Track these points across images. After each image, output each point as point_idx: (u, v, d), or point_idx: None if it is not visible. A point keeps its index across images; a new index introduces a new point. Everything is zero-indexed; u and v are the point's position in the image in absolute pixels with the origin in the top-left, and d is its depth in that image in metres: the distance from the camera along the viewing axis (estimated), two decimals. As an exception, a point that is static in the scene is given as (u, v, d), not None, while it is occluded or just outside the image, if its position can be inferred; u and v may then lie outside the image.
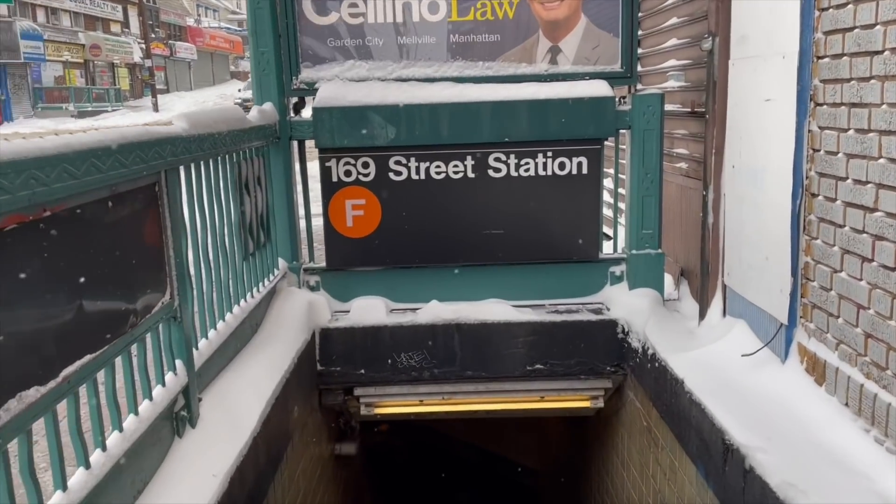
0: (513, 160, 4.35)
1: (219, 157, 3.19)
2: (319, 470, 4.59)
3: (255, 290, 3.81)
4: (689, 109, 4.53)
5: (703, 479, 3.13)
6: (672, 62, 4.83)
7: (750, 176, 3.42)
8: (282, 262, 4.38)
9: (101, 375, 2.14)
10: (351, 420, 5.46)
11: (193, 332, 2.84)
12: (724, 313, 3.89)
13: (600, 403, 4.65)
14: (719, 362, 3.39)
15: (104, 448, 2.06)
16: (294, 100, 4.41)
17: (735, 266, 3.67)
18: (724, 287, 3.86)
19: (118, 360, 2.24)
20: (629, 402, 4.44)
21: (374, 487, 10.11)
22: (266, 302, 4.06)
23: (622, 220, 4.74)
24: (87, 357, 1.95)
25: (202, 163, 2.99)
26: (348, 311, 4.50)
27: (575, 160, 4.34)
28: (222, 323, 3.25)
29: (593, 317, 4.42)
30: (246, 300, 3.62)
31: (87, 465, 1.96)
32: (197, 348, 2.89)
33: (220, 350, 3.17)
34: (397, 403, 4.66)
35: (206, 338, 3.03)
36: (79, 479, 1.92)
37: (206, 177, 3.08)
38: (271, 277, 4.14)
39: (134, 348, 2.34)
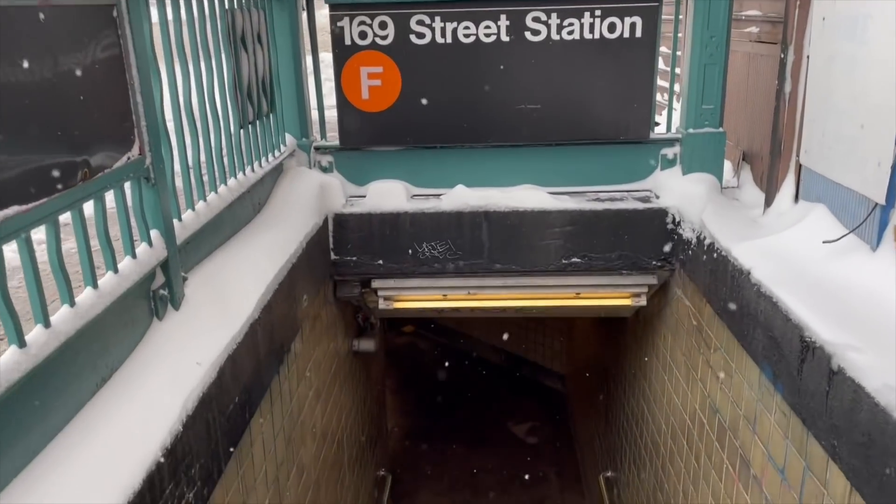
0: (554, 20, 3.73)
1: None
2: (335, 366, 4.28)
3: (256, 164, 3.36)
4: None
5: (769, 382, 2.70)
6: None
7: (847, 27, 2.79)
8: (289, 138, 3.90)
9: (43, 237, 1.73)
10: (370, 316, 5.12)
11: (175, 200, 2.41)
12: (797, 198, 3.35)
13: (643, 301, 4.21)
14: (793, 251, 2.89)
15: (46, 324, 1.66)
16: (301, -53, 3.80)
17: (816, 141, 3.09)
18: (799, 168, 3.30)
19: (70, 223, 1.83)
20: (676, 299, 3.99)
21: (397, 387, 10.02)
22: (271, 180, 3.61)
23: (677, 92, 4.14)
24: (13, 209, 1.52)
25: (179, -5, 2.47)
26: (364, 196, 4.04)
27: (627, 20, 3.71)
28: (214, 195, 2.81)
29: (640, 205, 3.91)
30: (245, 174, 3.18)
31: (22, 344, 1.57)
32: (179, 219, 2.47)
33: (211, 225, 2.75)
34: (418, 298, 4.27)
35: (193, 209, 2.60)
36: (9, 358, 1.53)
37: (186, 14, 2.56)
38: (276, 153, 3.67)
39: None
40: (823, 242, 2.80)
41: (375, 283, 4.17)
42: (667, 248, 3.91)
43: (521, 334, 10.01)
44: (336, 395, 4.29)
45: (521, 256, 4.00)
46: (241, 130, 3.15)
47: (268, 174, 3.49)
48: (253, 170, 3.27)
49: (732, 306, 3.04)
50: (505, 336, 10.15)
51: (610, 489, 5.99)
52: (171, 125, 2.40)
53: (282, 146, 3.77)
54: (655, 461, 4.49)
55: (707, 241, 3.36)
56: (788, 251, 2.90)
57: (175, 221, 2.41)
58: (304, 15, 3.91)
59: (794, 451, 2.50)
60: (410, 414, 9.30)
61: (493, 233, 3.96)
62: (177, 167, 2.50)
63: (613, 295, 4.18)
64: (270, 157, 3.56)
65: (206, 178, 2.75)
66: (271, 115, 3.60)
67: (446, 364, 10.63)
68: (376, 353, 5.90)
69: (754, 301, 2.80)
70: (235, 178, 3.06)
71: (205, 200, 2.71)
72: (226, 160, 2.96)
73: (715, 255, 3.24)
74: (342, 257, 4.04)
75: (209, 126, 2.76)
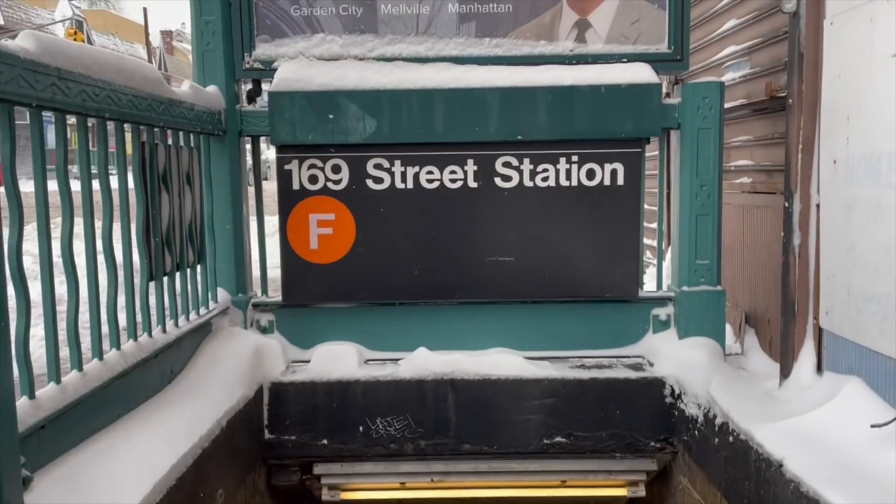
0: (527, 166, 3.36)
1: (104, 116, 2.19)
2: (265, 576, 3.43)
3: (170, 323, 2.77)
4: (761, 99, 3.54)
5: None
6: (730, 49, 3.91)
7: (866, 168, 2.41)
8: (222, 294, 3.34)
9: None
10: None
11: (27, 368, 1.80)
12: (820, 368, 2.81)
13: (641, 492, 3.50)
14: (831, 436, 2.30)
15: None
16: (248, 84, 3.48)
17: (839, 301, 2.62)
18: (820, 332, 2.79)
19: None
20: (680, 491, 3.30)
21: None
22: (193, 342, 3.01)
23: (668, 248, 3.72)
24: None
25: (66, 115, 2.00)
26: (309, 361, 3.43)
27: (608, 167, 3.35)
28: (97, 362, 2.19)
29: (632, 374, 3.33)
30: (150, 335, 2.58)
31: None
32: (31, 395, 1.84)
33: (89, 403, 2.11)
34: (371, 486, 3.52)
35: (57, 381, 1.98)
36: None
37: (80, 140, 2.10)
38: (202, 311, 3.10)
39: None
40: (871, 427, 2.22)
41: (318, 469, 3.45)
42: (666, 426, 3.29)
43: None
44: None
45: (494, 435, 3.34)
46: (152, 283, 2.60)
47: (187, 335, 2.89)
48: (164, 330, 2.68)
49: (762, 508, 2.38)
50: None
51: None
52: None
53: (210, 302, 3.20)
54: None
55: (719, 421, 2.76)
56: (825, 436, 2.31)
57: (23, 400, 1.78)
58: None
59: None
60: None
61: (461, 406, 3.33)
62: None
63: (605, 483, 3.48)
64: (192, 315, 2.98)
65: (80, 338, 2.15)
66: (199, 266, 3.07)
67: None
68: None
69: (792, 501, 2.16)
70: (136, 339, 2.46)
71: (80, 369, 2.09)
72: (123, 318, 2.38)
73: (731, 438, 2.63)
74: (279, 436, 3.34)
75: (97, 275, 2.20)
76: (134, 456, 2.16)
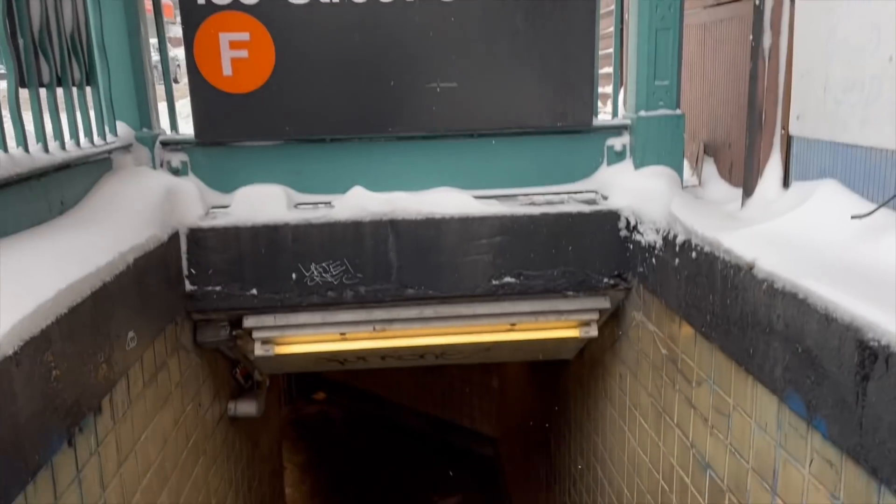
0: (470, -26, 2.97)
1: None
2: (197, 436, 3.19)
3: (55, 144, 2.35)
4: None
5: (800, 418, 1.85)
6: None
7: (854, -65, 2.12)
8: (123, 128, 2.91)
9: None
10: (252, 371, 4.05)
11: None
12: (787, 183, 2.62)
13: (593, 332, 3.36)
14: (805, 237, 2.11)
15: None
16: None
17: (814, 99, 2.38)
18: (789, 142, 2.58)
19: None
20: (635, 326, 3.16)
21: (306, 464, 8.74)
22: (88, 177, 2.61)
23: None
24: None
25: None
26: (231, 206, 3.07)
27: (560, -25, 2.98)
28: (-51, 164, 1.79)
29: (585, 208, 3.10)
30: (28, 150, 2.16)
31: None
32: None
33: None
34: (308, 338, 3.27)
35: None
36: None
37: None
38: (97, 141, 2.67)
39: None
40: (852, 218, 2.03)
41: (248, 322, 3.16)
42: (620, 260, 3.11)
43: (447, 395, 9.00)
44: (199, 476, 3.18)
45: (439, 278, 3.10)
46: (25, 90, 2.16)
47: (80, 167, 2.48)
48: (46, 150, 2.26)
49: (727, 319, 2.21)
50: (428, 399, 9.13)
51: (557, 572, 4.99)
52: None
53: (109, 135, 2.77)
54: (617, 537, 3.57)
55: (681, 239, 2.56)
56: (800, 237, 2.12)
57: None
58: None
59: (856, 519, 1.64)
60: (320, 494, 8.04)
61: (403, 248, 3.06)
62: None
63: (557, 325, 3.31)
64: (85, 144, 2.56)
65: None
66: (89, 89, 2.62)
67: (363, 434, 9.47)
68: (266, 419, 4.79)
69: (765, 304, 1.98)
70: (5, 149, 2.05)
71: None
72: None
73: (694, 254, 2.44)
74: (201, 288, 3.02)
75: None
76: (9, 275, 1.80)
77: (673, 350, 2.74)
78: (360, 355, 4.02)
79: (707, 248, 2.34)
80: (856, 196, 2.18)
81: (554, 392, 4.98)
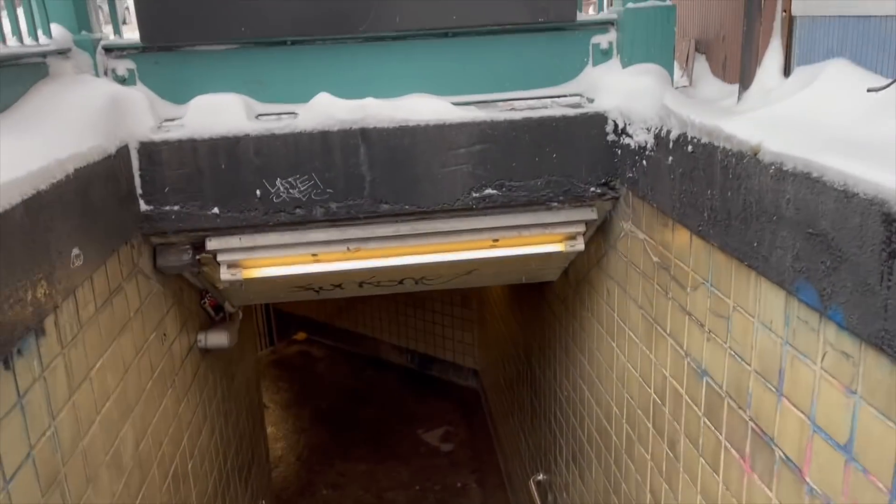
0: None
1: None
2: (163, 367, 3.01)
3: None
4: None
5: (812, 309, 1.71)
6: None
7: None
8: (58, 30, 2.62)
9: None
10: (223, 301, 3.86)
11: None
12: (788, 70, 2.42)
13: (580, 245, 3.20)
14: (816, 117, 1.93)
15: None
16: None
17: (820, -27, 2.17)
18: (791, 23, 2.37)
19: None
20: (623, 238, 3.00)
21: (289, 403, 8.66)
22: (18, 81, 2.33)
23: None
24: None
25: None
26: (185, 117, 2.81)
27: None
28: None
29: (570, 111, 2.89)
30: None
31: None
32: None
33: None
34: (277, 260, 3.07)
35: None
36: None
37: None
38: (28, 41, 2.39)
39: None
40: (868, 91, 1.84)
41: (212, 244, 2.94)
42: (608, 167, 2.92)
43: (427, 329, 8.92)
44: (168, 410, 3.01)
45: (416, 192, 2.89)
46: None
47: (9, 70, 2.21)
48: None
49: (728, 213, 2.04)
50: (409, 334, 9.04)
51: (543, 495, 4.96)
52: None
53: (42, 37, 2.48)
54: (606, 456, 3.48)
55: (675, 134, 2.36)
56: (807, 118, 1.93)
57: None
58: None
59: (875, 411, 1.51)
60: (304, 431, 7.99)
61: (376, 160, 2.84)
62: None
63: (541, 239, 3.14)
64: (13, 42, 2.27)
65: None
66: (13, -21, 2.32)
67: (345, 371, 9.40)
68: (242, 352, 4.63)
69: (772, 190, 1.81)
70: None
71: None
72: None
73: (690, 147, 2.25)
74: (157, 207, 2.79)
75: None
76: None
77: (665, 257, 2.58)
78: (336, 282, 3.83)
79: (705, 139, 2.15)
80: (868, 73, 1.99)
81: (537, 318, 4.87)
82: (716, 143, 2.09)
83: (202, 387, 3.65)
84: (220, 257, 2.98)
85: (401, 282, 3.95)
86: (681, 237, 2.42)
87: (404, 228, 3.01)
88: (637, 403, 2.99)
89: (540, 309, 4.74)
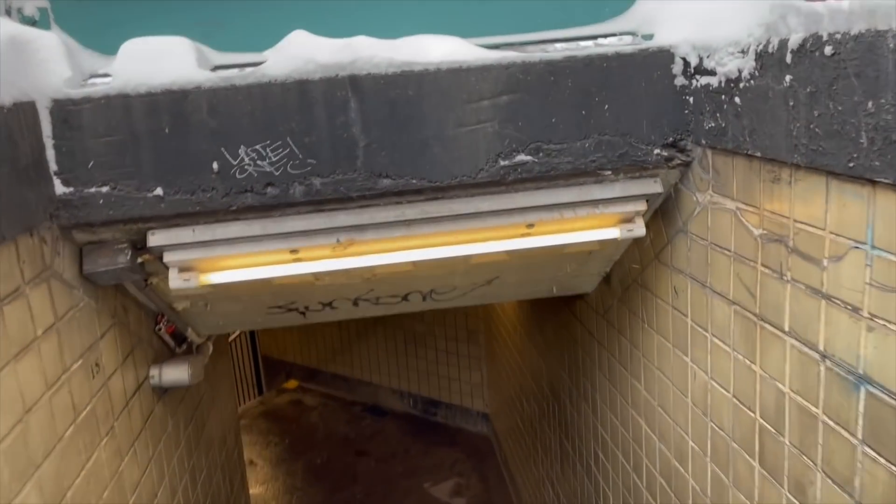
0: None
1: None
2: (95, 407, 2.23)
3: None
4: None
5: None
6: None
7: None
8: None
9: None
10: (187, 329, 3.11)
11: None
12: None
13: (639, 229, 2.47)
14: None
15: None
16: None
17: None
18: None
19: None
20: (702, 214, 2.28)
21: (281, 458, 7.77)
22: None
23: None
24: None
25: None
26: (114, 68, 2.10)
27: None
28: None
29: (625, 48, 2.20)
30: None
31: None
32: None
33: None
34: (243, 260, 2.32)
35: None
36: None
37: None
38: None
39: None
40: None
41: (156, 238, 2.20)
42: (676, 121, 2.22)
43: (430, 370, 8.11)
44: (101, 466, 2.23)
45: (425, 160, 2.18)
46: None
47: None
48: None
49: (918, 121, 1.33)
50: (410, 377, 8.23)
51: (583, 557, 4.13)
52: None
53: None
54: (679, 506, 2.69)
55: (798, 38, 1.66)
56: None
57: None
58: None
59: None
60: (297, 490, 7.09)
61: (371, 117, 2.13)
62: None
63: (590, 221, 2.41)
64: None
65: None
66: None
67: (341, 421, 8.54)
68: (214, 394, 3.85)
69: None
70: None
71: None
72: None
73: (831, 48, 1.54)
74: (80, 189, 2.06)
75: None
76: None
77: (778, 224, 1.86)
78: (326, 299, 3.09)
79: (861, 28, 1.45)
80: None
81: (564, 341, 4.11)
82: (883, 28, 1.39)
83: (157, 436, 2.86)
84: (167, 256, 2.24)
85: (405, 297, 3.21)
86: (809, 187, 1.71)
87: (411, 212, 2.29)
88: (732, 434, 2.23)
89: (569, 330, 3.99)
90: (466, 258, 2.54)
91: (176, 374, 2.84)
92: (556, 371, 4.41)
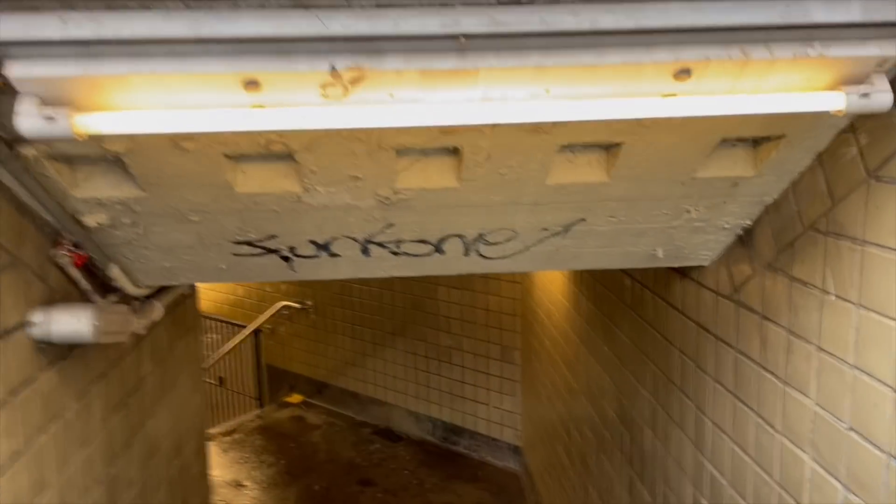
0: None
1: None
2: None
3: None
4: None
5: None
6: None
7: None
8: None
9: None
10: (109, 265, 2.08)
11: None
12: None
13: (883, 97, 1.36)
14: None
15: None
16: None
17: None
18: None
19: None
20: None
21: (277, 482, 6.65)
22: None
23: None
24: None
25: None
26: None
27: None
28: None
29: None
30: None
31: None
32: None
33: None
34: (154, 89, 1.28)
35: None
36: None
37: None
38: None
39: None
40: None
41: (15, 69, 1.17)
42: None
43: (454, 390, 6.99)
44: None
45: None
46: None
47: None
48: None
49: None
50: (430, 396, 7.12)
51: None
52: None
53: None
54: None
55: None
56: None
57: None
58: None
59: None
60: (287, 520, 5.96)
61: None
62: None
63: (791, 73, 1.33)
64: None
65: None
66: None
67: (347, 443, 7.43)
68: (172, 378, 2.82)
69: None
70: None
71: None
72: None
73: None
74: None
75: None
76: None
77: None
78: (321, 238, 2.05)
79: None
80: None
81: (646, 350, 3.00)
82: None
83: (37, 420, 1.81)
84: (14, 68, 1.20)
85: (439, 245, 2.14)
86: None
87: (470, 22, 1.23)
88: None
89: (660, 328, 2.88)
90: (545, 163, 1.48)
91: (72, 323, 1.79)
92: (632, 388, 3.28)
